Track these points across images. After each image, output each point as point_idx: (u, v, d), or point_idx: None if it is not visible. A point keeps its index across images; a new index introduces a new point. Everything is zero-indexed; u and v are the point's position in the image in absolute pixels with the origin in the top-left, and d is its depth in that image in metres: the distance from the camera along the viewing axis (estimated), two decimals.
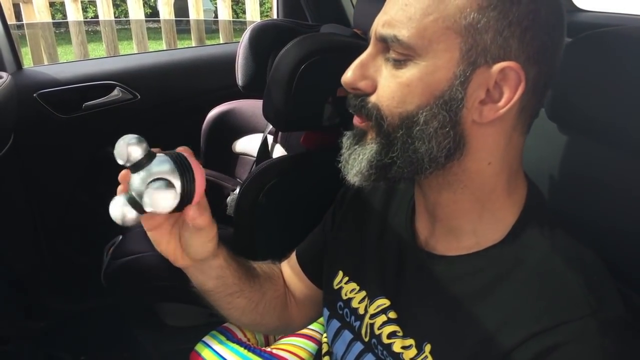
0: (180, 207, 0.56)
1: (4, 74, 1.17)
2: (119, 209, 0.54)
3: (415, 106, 0.52)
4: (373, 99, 0.55)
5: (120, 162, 0.54)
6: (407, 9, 0.52)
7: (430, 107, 0.52)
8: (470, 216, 0.58)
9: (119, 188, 0.58)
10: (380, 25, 0.54)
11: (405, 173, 0.55)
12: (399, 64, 0.53)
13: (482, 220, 0.58)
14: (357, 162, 0.56)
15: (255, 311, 0.76)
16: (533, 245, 0.55)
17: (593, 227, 0.67)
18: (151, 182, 0.53)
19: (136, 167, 0.54)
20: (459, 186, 0.57)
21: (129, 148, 0.53)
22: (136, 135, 0.54)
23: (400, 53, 0.52)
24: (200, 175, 0.57)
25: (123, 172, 0.57)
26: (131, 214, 0.55)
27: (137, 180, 0.54)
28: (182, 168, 0.55)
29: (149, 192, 0.52)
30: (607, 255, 0.57)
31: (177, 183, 0.54)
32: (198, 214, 0.57)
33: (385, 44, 0.54)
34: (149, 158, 0.54)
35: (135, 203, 0.54)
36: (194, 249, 0.62)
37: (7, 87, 1.13)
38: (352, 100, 0.57)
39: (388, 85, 0.54)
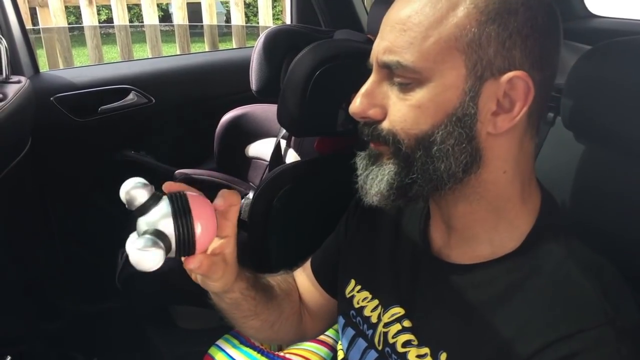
0: (179, 255, 0.54)
1: (23, 79, 1.19)
2: (135, 255, 0.52)
3: (430, 126, 0.53)
4: (386, 125, 0.55)
5: (126, 205, 0.53)
6: (407, 34, 0.52)
7: (445, 125, 0.52)
8: (486, 226, 0.58)
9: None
10: (380, 52, 0.54)
11: (425, 191, 0.56)
12: (406, 87, 0.53)
13: (498, 229, 0.58)
14: (375, 182, 0.56)
15: (270, 330, 0.77)
16: (548, 253, 0.55)
17: (609, 236, 0.67)
18: (139, 238, 0.50)
19: (140, 211, 0.53)
20: (475, 197, 0.57)
21: (133, 192, 0.52)
22: (143, 180, 0.53)
23: (407, 77, 0.53)
24: (208, 217, 0.54)
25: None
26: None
27: (142, 225, 0.53)
28: (180, 216, 0.52)
29: (134, 253, 0.50)
30: (622, 264, 0.57)
31: (172, 234, 0.52)
32: (197, 266, 0.56)
33: (389, 70, 0.54)
34: (155, 200, 0.53)
35: None
36: (201, 282, 0.63)
37: (26, 91, 1.15)
38: (365, 129, 0.57)
39: (399, 110, 0.54)
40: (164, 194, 0.55)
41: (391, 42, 0.53)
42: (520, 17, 0.51)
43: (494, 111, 0.53)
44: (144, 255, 0.50)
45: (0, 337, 1.36)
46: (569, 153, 0.76)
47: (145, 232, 0.52)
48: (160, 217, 0.52)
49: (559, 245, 0.56)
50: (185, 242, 0.53)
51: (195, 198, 0.54)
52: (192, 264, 0.56)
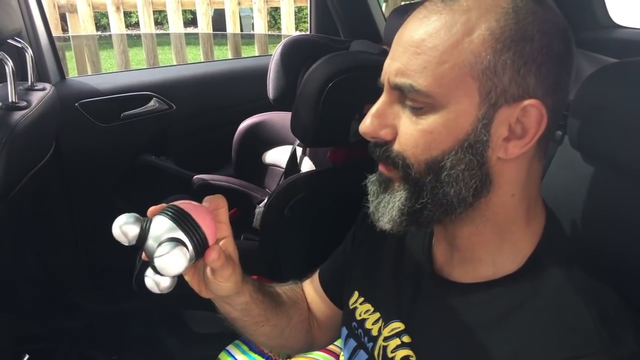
0: (198, 255, 0.56)
1: (47, 86, 1.23)
2: (151, 281, 0.55)
3: (441, 151, 0.52)
4: (396, 147, 0.55)
5: (125, 243, 0.55)
6: (420, 57, 0.51)
7: (456, 151, 0.52)
8: (489, 247, 0.58)
9: (142, 256, 0.58)
10: (392, 74, 0.53)
11: (436, 216, 0.56)
12: (418, 111, 0.52)
13: (501, 250, 0.58)
14: (387, 210, 0.56)
15: (280, 336, 0.78)
16: (549, 277, 0.55)
17: (615, 259, 0.66)
18: (157, 247, 0.52)
19: (141, 240, 0.54)
20: (482, 220, 0.57)
21: (123, 229, 0.54)
22: (126, 215, 0.54)
23: (419, 101, 0.52)
24: (205, 219, 0.56)
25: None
26: (165, 282, 0.55)
27: (149, 250, 0.54)
28: (182, 220, 0.54)
29: (157, 260, 0.51)
30: (628, 288, 0.56)
31: (183, 236, 0.54)
32: (217, 255, 0.58)
33: (401, 92, 0.53)
34: (148, 223, 0.54)
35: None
36: (213, 287, 0.64)
37: (50, 97, 1.19)
38: (375, 150, 0.57)
39: (410, 133, 0.53)
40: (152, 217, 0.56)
41: (404, 64, 0.52)
42: (536, 44, 0.50)
43: (505, 137, 0.52)
44: (169, 258, 0.51)
45: (23, 335, 1.41)
46: (577, 173, 0.75)
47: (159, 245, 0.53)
48: (165, 228, 0.54)
49: (560, 269, 0.55)
50: (197, 236, 0.55)
51: (184, 203, 0.57)
52: (214, 253, 0.57)
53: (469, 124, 0.51)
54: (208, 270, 0.62)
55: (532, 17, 0.50)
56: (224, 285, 0.63)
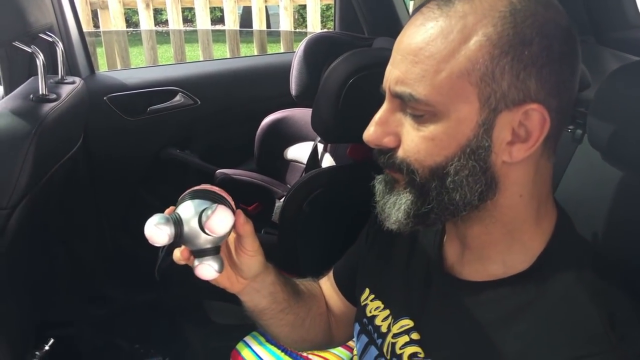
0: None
1: (77, 79, 1.27)
2: (205, 266, 0.59)
3: (444, 157, 0.53)
4: (400, 154, 0.55)
5: (164, 242, 0.56)
6: (418, 66, 0.51)
7: (459, 157, 0.52)
8: (499, 246, 0.58)
9: (181, 250, 0.63)
10: (393, 82, 0.54)
11: (442, 218, 0.56)
12: (419, 118, 0.53)
13: (511, 250, 0.58)
14: (393, 211, 0.57)
15: (302, 327, 0.79)
16: (558, 276, 0.55)
17: (631, 260, 0.65)
18: (199, 217, 0.57)
19: (177, 235, 0.57)
20: (491, 221, 0.57)
21: (158, 227, 0.56)
22: (157, 215, 0.57)
23: (419, 109, 0.52)
24: (222, 191, 0.62)
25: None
26: (216, 263, 0.60)
27: (190, 235, 0.58)
28: (205, 194, 0.60)
29: (207, 224, 0.55)
30: None
31: (211, 205, 0.58)
32: (245, 219, 0.63)
33: (402, 100, 0.53)
34: (176, 216, 0.58)
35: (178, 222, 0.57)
36: (247, 266, 0.67)
37: (79, 91, 1.22)
38: (381, 157, 0.57)
39: (412, 140, 0.54)
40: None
41: (403, 72, 0.52)
42: (535, 47, 0.49)
43: (509, 141, 0.52)
44: (216, 216, 0.56)
45: (52, 321, 1.45)
46: (596, 172, 0.74)
47: (201, 215, 0.57)
48: (194, 206, 0.58)
49: (569, 268, 0.55)
50: (224, 201, 0.60)
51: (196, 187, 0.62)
52: (242, 217, 0.63)
53: (470, 130, 0.51)
54: (234, 253, 0.67)
55: (531, 20, 0.49)
56: (253, 259, 0.67)
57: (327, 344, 0.92)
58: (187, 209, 0.58)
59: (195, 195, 0.60)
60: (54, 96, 1.10)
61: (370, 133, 0.56)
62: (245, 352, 1.10)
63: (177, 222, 0.57)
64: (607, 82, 0.66)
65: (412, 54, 0.52)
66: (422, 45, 0.51)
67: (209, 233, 0.57)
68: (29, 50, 1.08)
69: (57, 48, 1.22)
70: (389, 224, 0.58)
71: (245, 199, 1.58)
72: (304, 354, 1.05)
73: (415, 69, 0.51)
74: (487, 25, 0.49)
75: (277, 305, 0.74)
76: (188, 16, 5.58)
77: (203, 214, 0.56)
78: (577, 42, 0.53)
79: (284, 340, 0.82)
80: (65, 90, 1.16)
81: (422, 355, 0.62)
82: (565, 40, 0.51)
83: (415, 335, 0.64)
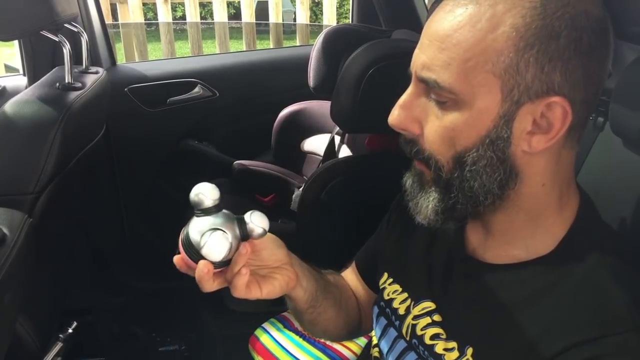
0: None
1: (100, 70, 1.29)
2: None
3: (463, 147, 0.53)
4: (426, 145, 0.56)
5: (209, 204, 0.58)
6: (445, 53, 0.51)
7: (477, 148, 0.53)
8: (523, 233, 0.59)
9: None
10: (419, 67, 0.54)
11: (468, 208, 0.57)
12: (442, 104, 0.53)
13: (534, 235, 0.59)
14: (422, 209, 0.59)
15: (342, 309, 0.79)
16: (581, 258, 0.55)
17: None
18: (207, 232, 0.57)
19: (205, 212, 0.58)
20: (514, 209, 0.58)
21: (211, 192, 0.57)
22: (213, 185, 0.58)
23: (443, 96, 0.53)
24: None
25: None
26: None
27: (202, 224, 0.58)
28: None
29: (206, 241, 0.56)
30: None
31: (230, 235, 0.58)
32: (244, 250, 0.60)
33: (427, 85, 0.54)
34: (217, 208, 0.59)
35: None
36: (275, 257, 0.66)
37: (102, 81, 1.25)
38: (406, 147, 0.58)
39: (434, 130, 0.55)
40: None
41: (429, 58, 0.53)
42: (563, 40, 0.49)
43: (529, 131, 0.52)
44: (215, 242, 0.56)
45: (72, 307, 1.48)
46: (618, 159, 0.74)
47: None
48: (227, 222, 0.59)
49: (592, 251, 0.55)
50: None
51: None
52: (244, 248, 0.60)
53: (491, 120, 0.52)
54: (263, 270, 0.65)
55: (561, 12, 0.49)
56: (280, 251, 0.66)
57: (363, 331, 0.91)
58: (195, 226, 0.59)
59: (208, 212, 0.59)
60: (79, 85, 1.12)
61: (395, 116, 0.57)
62: (264, 337, 1.12)
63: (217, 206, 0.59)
64: (629, 70, 0.67)
65: (439, 41, 0.52)
66: (449, 33, 0.51)
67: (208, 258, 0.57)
68: (56, 39, 1.10)
69: (81, 38, 1.24)
70: (420, 219, 0.60)
71: (262, 190, 1.60)
72: (322, 340, 1.07)
73: (442, 55, 0.52)
74: (516, 16, 0.49)
75: (321, 293, 0.73)
76: (202, 13, 5.61)
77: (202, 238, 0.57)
78: (609, 34, 0.52)
79: (333, 329, 0.81)
80: (90, 80, 1.18)
81: (444, 336, 0.63)
82: (596, 32, 0.50)
83: (437, 317, 0.65)
